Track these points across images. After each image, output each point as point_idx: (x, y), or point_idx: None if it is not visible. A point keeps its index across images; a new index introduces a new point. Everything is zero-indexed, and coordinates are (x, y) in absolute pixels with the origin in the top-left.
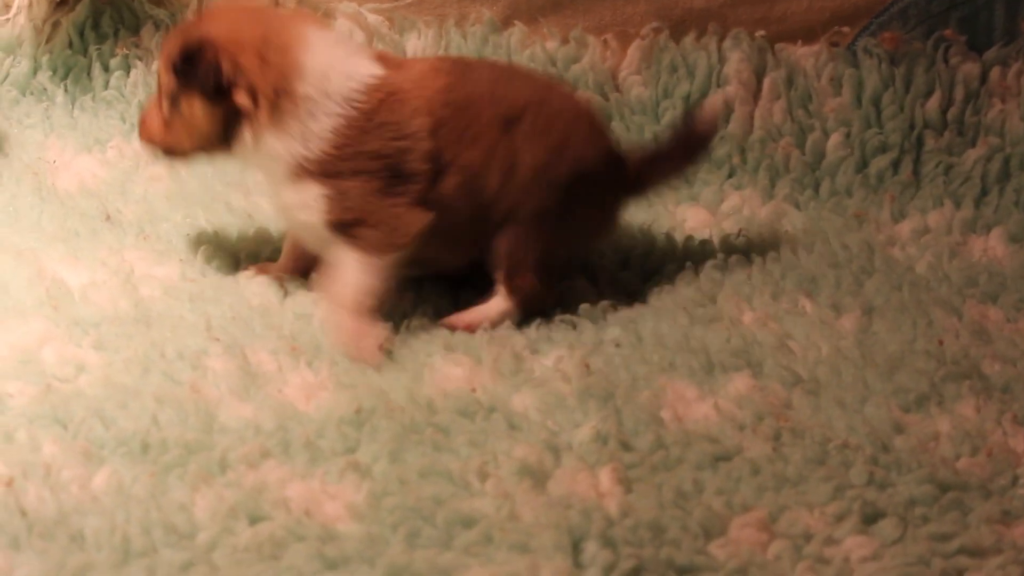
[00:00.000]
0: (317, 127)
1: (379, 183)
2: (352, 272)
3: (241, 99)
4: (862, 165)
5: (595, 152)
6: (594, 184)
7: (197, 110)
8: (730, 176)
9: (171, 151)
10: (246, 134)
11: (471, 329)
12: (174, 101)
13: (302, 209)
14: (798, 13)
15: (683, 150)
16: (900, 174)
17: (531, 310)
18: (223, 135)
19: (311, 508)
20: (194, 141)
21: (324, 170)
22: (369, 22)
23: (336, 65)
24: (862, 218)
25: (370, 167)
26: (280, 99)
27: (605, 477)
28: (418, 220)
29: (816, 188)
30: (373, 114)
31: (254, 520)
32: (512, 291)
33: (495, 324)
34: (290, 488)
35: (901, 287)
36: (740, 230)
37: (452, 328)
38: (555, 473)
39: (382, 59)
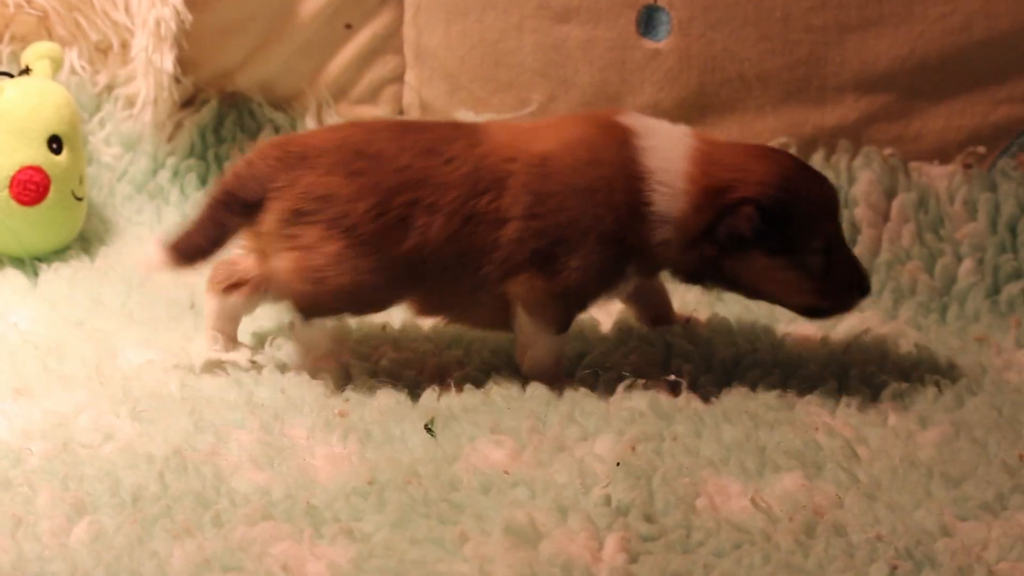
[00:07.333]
0: None
1: None
2: None
3: None
4: (993, 291)
5: None
6: None
7: None
8: None
9: None
10: None
11: None
12: None
13: None
14: (934, 132)
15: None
16: None
17: None
18: None
19: (290, 564)
20: None
21: None
22: None
23: None
24: (983, 342)
25: None
26: None
27: (611, 543)
28: None
29: (942, 312)
30: None
31: (226, 570)
32: None
33: None
34: (276, 546)
35: (1002, 408)
36: (847, 346)
37: None
38: (554, 533)
39: None
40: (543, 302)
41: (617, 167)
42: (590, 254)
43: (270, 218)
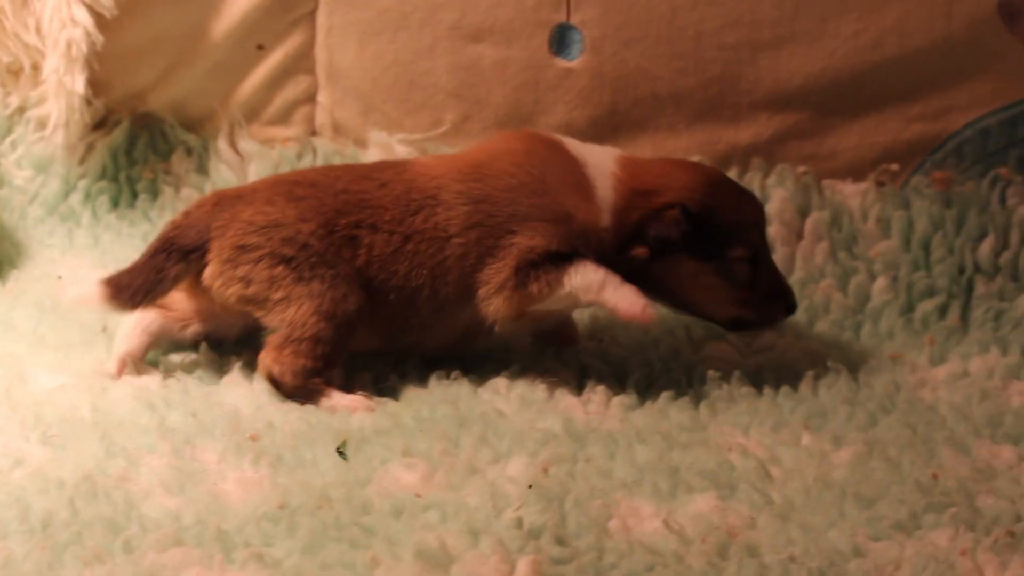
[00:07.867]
0: None
1: None
2: None
3: None
4: (907, 309)
5: None
6: None
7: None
8: None
9: None
10: None
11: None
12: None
13: None
14: (847, 149)
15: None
16: (947, 319)
17: None
18: None
19: None
20: None
21: None
22: (397, 153)
23: None
24: (897, 360)
25: None
26: None
27: (522, 566)
28: None
29: (856, 331)
30: None
31: None
32: None
33: None
34: (187, 572)
35: (916, 426)
36: (760, 366)
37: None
38: (465, 557)
39: None
40: (532, 277)
41: (554, 161)
42: (537, 229)
43: (214, 262)
